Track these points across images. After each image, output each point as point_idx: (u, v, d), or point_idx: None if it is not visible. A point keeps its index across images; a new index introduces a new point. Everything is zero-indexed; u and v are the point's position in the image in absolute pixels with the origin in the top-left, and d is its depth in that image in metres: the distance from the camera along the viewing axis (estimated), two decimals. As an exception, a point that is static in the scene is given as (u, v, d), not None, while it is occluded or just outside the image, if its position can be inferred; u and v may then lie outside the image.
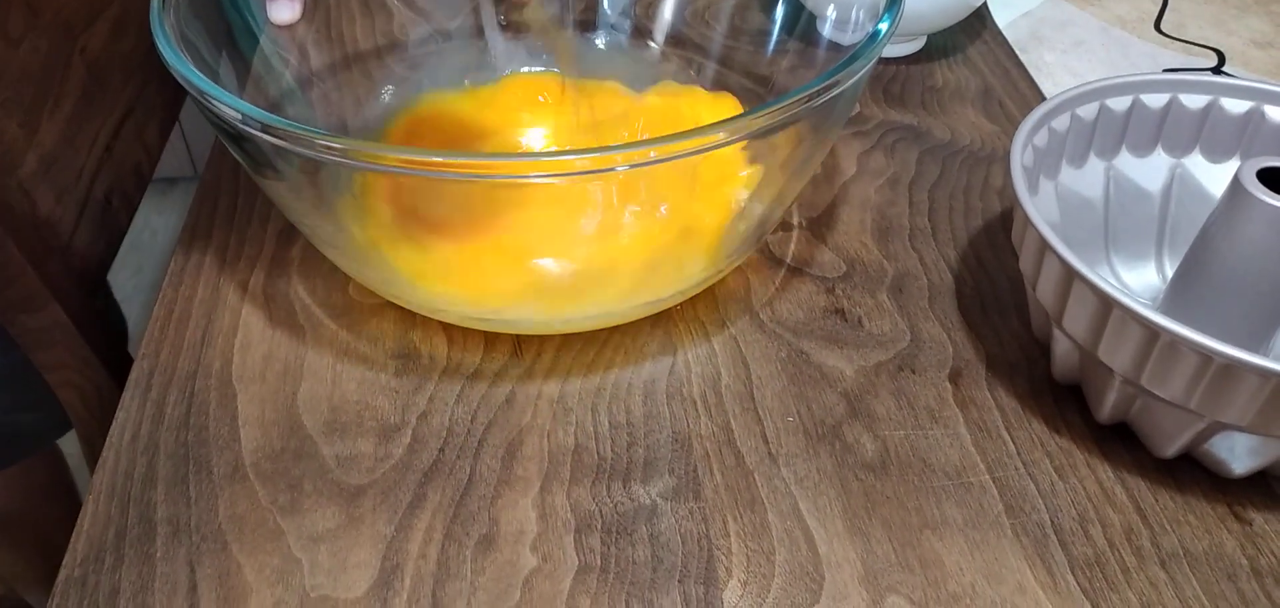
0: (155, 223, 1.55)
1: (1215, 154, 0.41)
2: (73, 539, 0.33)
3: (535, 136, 0.47)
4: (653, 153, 0.30)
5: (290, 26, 0.47)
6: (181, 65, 0.33)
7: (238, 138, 0.33)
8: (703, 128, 0.30)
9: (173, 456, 0.36)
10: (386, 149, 0.32)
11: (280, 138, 0.31)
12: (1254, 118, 0.40)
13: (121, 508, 0.34)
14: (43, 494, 0.76)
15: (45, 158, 0.51)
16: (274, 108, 0.44)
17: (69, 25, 0.54)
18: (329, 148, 0.30)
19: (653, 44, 0.52)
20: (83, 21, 0.56)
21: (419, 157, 0.30)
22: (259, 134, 0.31)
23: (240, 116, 0.31)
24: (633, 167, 0.31)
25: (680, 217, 0.41)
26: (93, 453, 0.56)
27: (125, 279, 1.44)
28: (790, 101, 0.31)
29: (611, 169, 0.31)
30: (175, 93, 0.66)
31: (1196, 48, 0.59)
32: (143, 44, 0.61)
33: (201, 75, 0.33)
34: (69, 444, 0.72)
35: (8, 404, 0.62)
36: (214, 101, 0.32)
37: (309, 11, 0.48)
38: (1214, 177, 0.41)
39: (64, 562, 0.33)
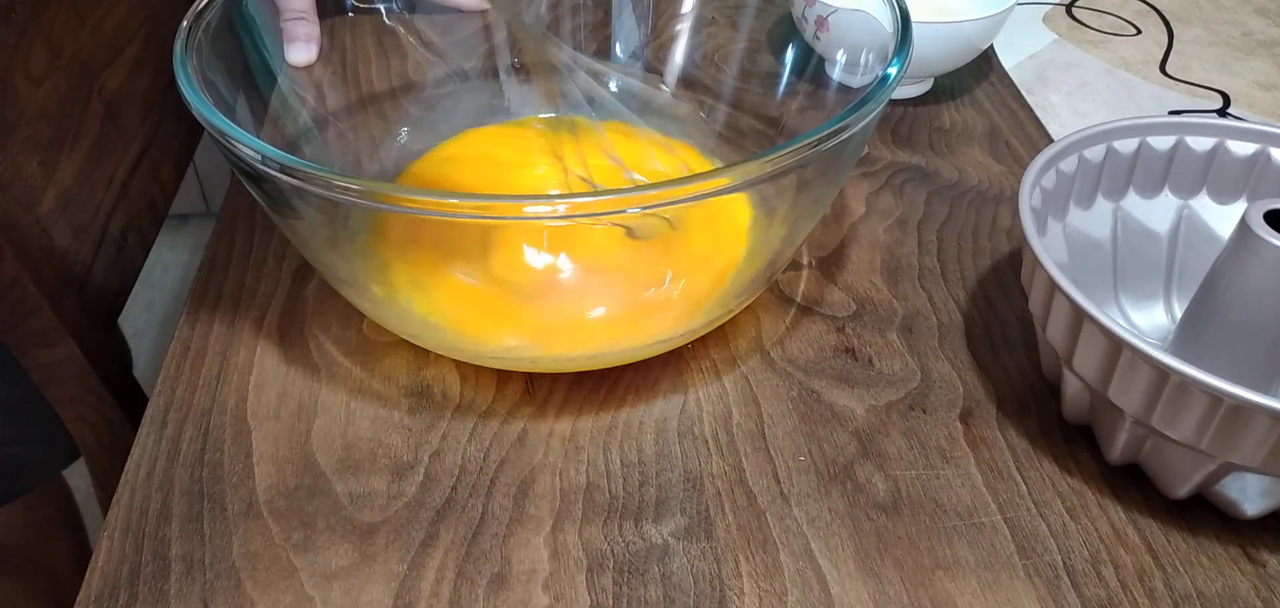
0: (167, 258, 1.56)
1: (1222, 196, 0.41)
2: (87, 575, 0.33)
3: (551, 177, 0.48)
4: (658, 198, 0.31)
5: (308, 68, 0.48)
6: (203, 106, 0.34)
7: (256, 177, 0.33)
8: (712, 171, 0.31)
9: (187, 492, 0.36)
10: (403, 190, 0.32)
11: (298, 178, 0.31)
12: (1260, 160, 0.40)
13: (136, 545, 0.34)
14: (48, 527, 0.76)
15: (63, 195, 0.52)
16: (291, 147, 0.44)
17: (88, 65, 0.55)
18: (346, 189, 0.31)
19: (664, 87, 0.52)
20: (101, 62, 0.57)
21: (434, 198, 0.31)
22: (277, 174, 0.32)
23: (259, 157, 0.32)
24: (644, 209, 0.31)
25: (690, 257, 0.41)
26: (103, 486, 0.57)
27: (137, 314, 1.45)
28: (801, 145, 0.32)
29: (621, 212, 0.31)
30: (190, 131, 0.67)
31: (1202, 90, 0.59)
32: (159, 83, 0.62)
33: (222, 116, 0.33)
34: (77, 477, 0.73)
35: (13, 436, 0.63)
36: (234, 142, 0.32)
37: (326, 53, 0.49)
38: (1221, 218, 0.41)
39: (78, 599, 0.33)
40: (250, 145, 0.32)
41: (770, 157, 0.31)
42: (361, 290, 0.40)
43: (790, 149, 0.32)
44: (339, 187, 0.31)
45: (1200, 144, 0.41)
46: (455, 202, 0.31)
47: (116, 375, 0.55)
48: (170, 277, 1.53)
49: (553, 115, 0.49)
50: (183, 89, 0.34)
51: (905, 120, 0.56)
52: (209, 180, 1.55)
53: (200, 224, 1.58)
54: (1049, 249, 0.34)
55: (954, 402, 0.39)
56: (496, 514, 0.35)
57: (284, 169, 0.31)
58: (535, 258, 0.40)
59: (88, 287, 0.53)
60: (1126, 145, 0.41)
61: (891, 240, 0.47)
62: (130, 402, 0.55)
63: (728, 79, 0.52)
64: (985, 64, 0.62)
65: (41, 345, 0.50)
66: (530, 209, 0.32)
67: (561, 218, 0.32)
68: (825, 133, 0.32)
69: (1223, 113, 0.57)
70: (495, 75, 0.52)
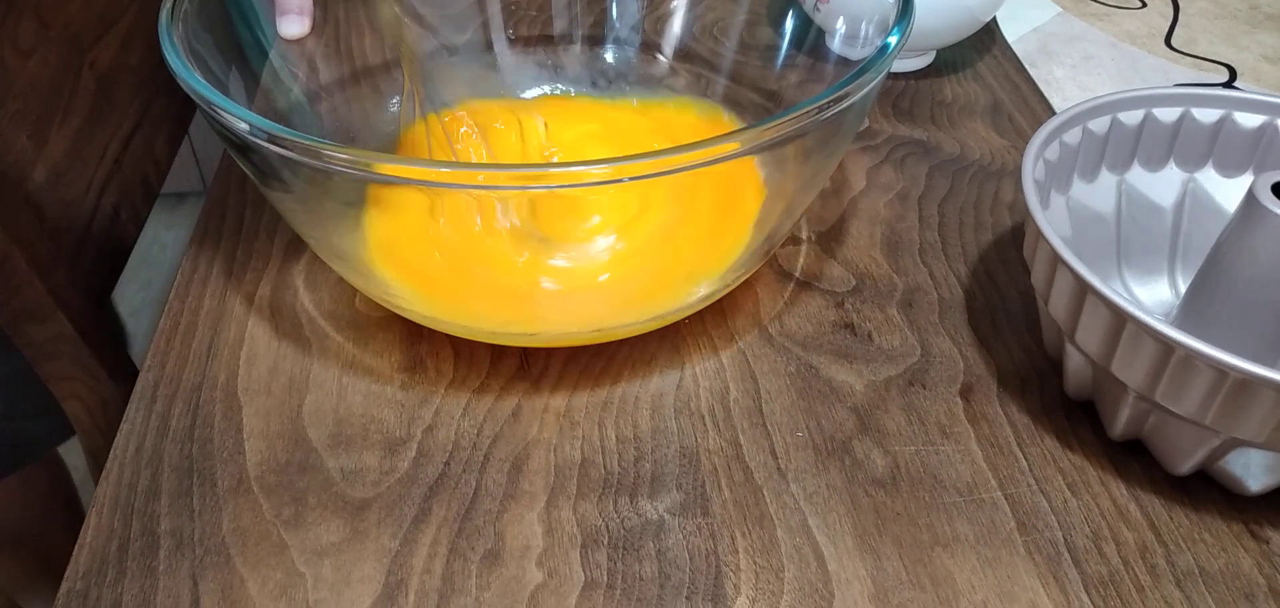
0: (165, 237, 1.56)
1: (1228, 169, 0.41)
2: (75, 552, 0.33)
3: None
4: (661, 165, 0.30)
5: (299, 41, 0.47)
6: (189, 75, 0.33)
7: (245, 149, 0.33)
8: (711, 139, 0.30)
9: (177, 468, 0.35)
10: (392, 159, 0.31)
11: (287, 148, 0.31)
12: (1267, 132, 0.40)
13: (124, 520, 0.34)
14: (43, 503, 0.76)
15: (54, 170, 0.51)
16: (282, 121, 0.44)
17: (78, 38, 0.55)
18: (335, 158, 0.30)
19: (661, 57, 0.52)
20: (92, 35, 0.56)
21: (424, 168, 0.30)
22: (266, 145, 0.31)
23: (248, 127, 0.31)
24: (641, 178, 0.31)
25: (689, 228, 0.40)
26: (97, 464, 0.56)
27: (134, 292, 1.45)
28: (799, 113, 0.31)
29: (618, 181, 0.31)
30: (184, 107, 0.66)
31: (1207, 63, 0.58)
32: (152, 58, 0.61)
33: (209, 86, 0.33)
34: (72, 455, 0.72)
35: (8, 411, 0.62)
36: (221, 112, 0.32)
37: (318, 26, 0.48)
38: (1227, 191, 0.41)
39: (66, 574, 0.32)
40: (238, 115, 0.31)
41: (769, 124, 0.31)
42: (353, 264, 0.39)
43: (789, 117, 0.31)
44: (327, 156, 0.30)
45: (1206, 116, 0.40)
46: (445, 170, 0.30)
47: (110, 352, 0.54)
48: (168, 255, 1.53)
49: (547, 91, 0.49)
50: (168, 57, 0.34)
51: (907, 94, 0.56)
52: (206, 159, 1.54)
53: (197, 203, 1.57)
54: (1052, 222, 0.34)
55: (954, 377, 0.39)
56: (490, 490, 0.34)
57: (272, 139, 0.31)
58: (532, 231, 0.40)
59: (79, 262, 0.53)
60: (1131, 117, 0.40)
61: (892, 215, 0.47)
62: (124, 378, 0.54)
63: (726, 51, 0.51)
64: (988, 37, 0.61)
65: (33, 321, 0.50)
66: (522, 178, 0.31)
67: (555, 187, 0.32)
68: (825, 100, 0.32)
69: (1229, 86, 0.56)
70: (489, 47, 0.52)
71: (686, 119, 0.49)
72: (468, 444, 0.36)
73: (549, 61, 0.52)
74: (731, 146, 0.31)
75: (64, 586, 0.32)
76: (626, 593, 0.31)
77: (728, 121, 0.48)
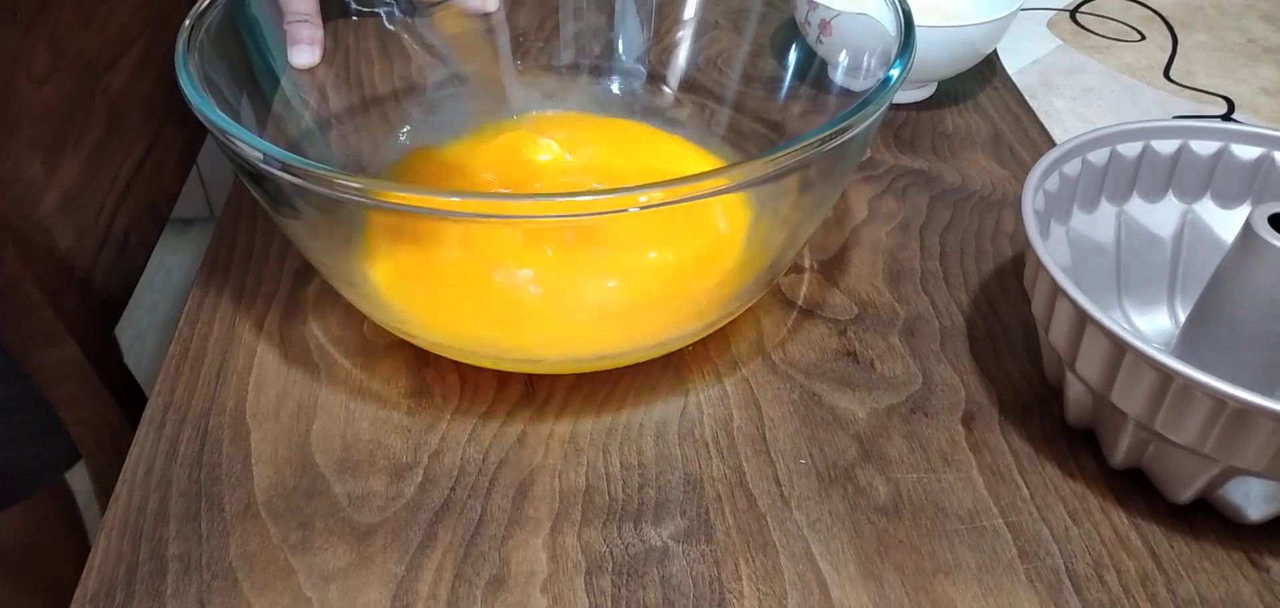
0: (171, 262, 1.57)
1: (1226, 200, 0.41)
2: (83, 576, 0.33)
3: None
4: (661, 196, 0.30)
5: (310, 70, 0.48)
6: (204, 105, 0.33)
7: (257, 177, 0.33)
8: (712, 172, 0.31)
9: (185, 492, 0.36)
10: (404, 188, 0.32)
11: (299, 176, 0.31)
12: (1265, 164, 0.40)
13: (133, 544, 0.34)
14: (48, 529, 0.76)
15: (65, 195, 0.52)
16: (293, 148, 0.44)
17: (91, 65, 0.55)
18: (347, 187, 0.31)
19: (667, 88, 0.52)
20: (105, 62, 0.57)
21: (433, 197, 0.31)
22: (279, 173, 0.32)
23: (261, 156, 0.32)
24: (640, 209, 0.31)
25: (691, 258, 0.41)
26: (103, 489, 0.57)
27: (140, 316, 1.45)
28: (803, 145, 0.32)
29: (622, 211, 0.31)
30: (193, 133, 0.67)
31: (1206, 95, 0.59)
32: (163, 85, 0.62)
33: (223, 115, 0.33)
34: (78, 481, 0.72)
35: (11, 438, 0.62)
36: (236, 141, 0.32)
37: (329, 55, 0.49)
38: (1225, 222, 0.41)
39: (75, 598, 0.33)
40: (251, 144, 0.32)
41: (772, 156, 0.31)
42: (362, 291, 0.39)
43: (792, 148, 0.31)
44: (340, 185, 0.31)
45: (1205, 148, 0.41)
46: (455, 200, 0.30)
47: (117, 378, 0.55)
48: (174, 280, 1.53)
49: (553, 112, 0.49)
50: (184, 87, 0.34)
51: (908, 124, 0.56)
52: (213, 185, 1.55)
53: (204, 229, 1.59)
54: (1052, 252, 0.34)
55: (956, 405, 0.39)
56: (495, 516, 0.35)
57: (285, 167, 0.31)
58: (537, 258, 0.40)
59: (89, 288, 0.53)
60: (1130, 149, 0.41)
61: (894, 244, 0.47)
62: (130, 404, 0.55)
63: (730, 83, 0.51)
64: (989, 69, 0.62)
65: (43, 346, 0.50)
66: (529, 207, 0.32)
67: (562, 216, 0.32)
68: (828, 132, 0.32)
69: (1227, 118, 0.57)
70: (497, 78, 0.52)
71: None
72: (473, 470, 0.36)
73: (556, 91, 0.53)
74: (736, 177, 0.31)
75: (73, 608, 0.32)
76: (631, 619, 0.32)
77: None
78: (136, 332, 1.42)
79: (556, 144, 0.45)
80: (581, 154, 0.46)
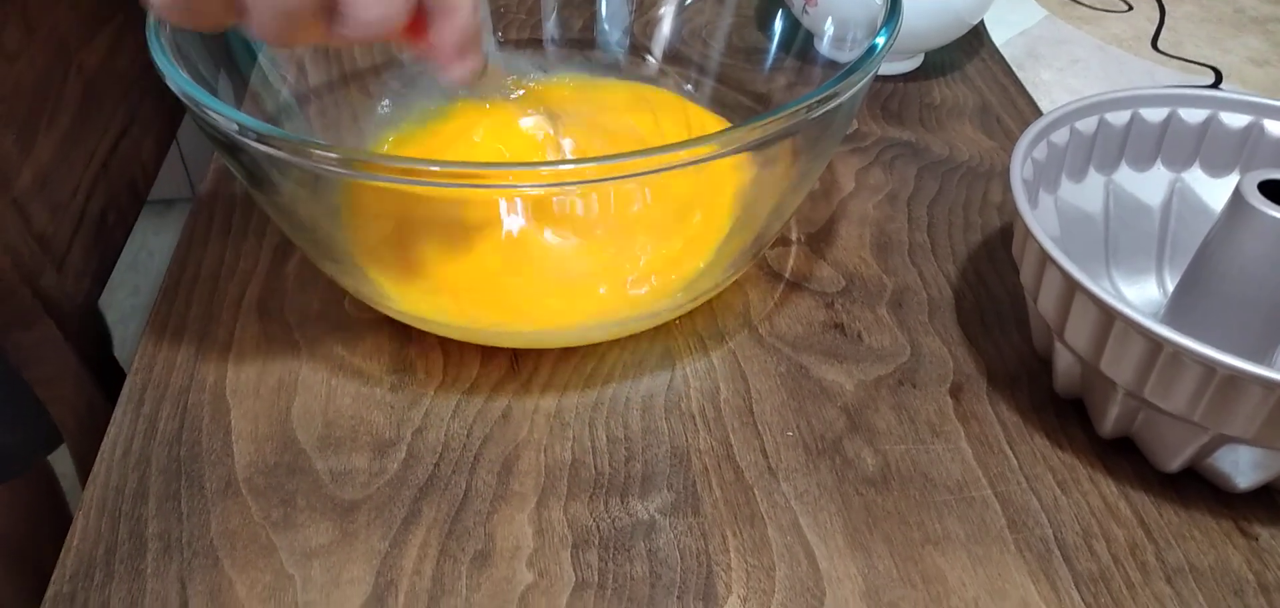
0: (153, 244, 1.55)
1: (1215, 168, 0.41)
2: (62, 555, 0.33)
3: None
4: (646, 165, 0.30)
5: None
6: (177, 75, 0.33)
7: (233, 149, 0.33)
8: (697, 139, 0.30)
9: (165, 471, 0.35)
10: (381, 158, 0.31)
11: (275, 147, 0.30)
12: (1254, 132, 0.40)
13: (112, 524, 0.33)
14: (30, 512, 0.75)
15: (40, 173, 0.51)
16: (271, 123, 0.44)
17: (65, 41, 0.54)
18: (323, 157, 0.30)
19: (650, 59, 0.52)
20: (80, 37, 0.56)
21: (412, 166, 0.30)
22: (255, 145, 0.31)
23: (236, 127, 0.31)
24: (626, 177, 0.31)
25: (677, 229, 0.40)
26: (85, 470, 0.56)
27: (123, 299, 1.44)
28: (788, 112, 0.31)
29: (604, 180, 0.31)
30: (172, 110, 0.66)
31: (1193, 65, 0.59)
32: (139, 61, 0.61)
33: (197, 86, 0.32)
34: (63, 463, 0.72)
35: None
36: (210, 111, 0.31)
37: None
38: (1214, 191, 0.41)
39: (52, 578, 0.32)
40: (227, 115, 0.31)
41: (758, 123, 0.31)
42: (342, 266, 0.39)
43: (779, 116, 0.31)
44: (316, 155, 0.30)
45: (1193, 116, 0.41)
46: (434, 169, 0.30)
47: (97, 357, 0.54)
48: (156, 262, 1.52)
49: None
50: (156, 59, 0.34)
51: (895, 96, 0.56)
52: (194, 165, 1.53)
53: (185, 209, 1.57)
54: (1041, 221, 0.34)
55: (944, 376, 0.39)
56: (480, 491, 0.34)
57: (261, 138, 0.31)
58: (518, 229, 0.39)
59: (66, 267, 0.52)
60: (1119, 117, 0.40)
61: (881, 216, 0.47)
62: (111, 384, 0.54)
63: (715, 54, 0.51)
64: (976, 40, 0.61)
65: (19, 326, 0.49)
66: (512, 176, 0.31)
67: (546, 186, 0.32)
68: (813, 99, 0.32)
69: (1215, 88, 0.56)
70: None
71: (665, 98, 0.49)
72: (458, 446, 0.36)
73: (538, 63, 0.52)
74: (720, 145, 0.31)
75: (51, 589, 0.32)
76: (617, 593, 0.31)
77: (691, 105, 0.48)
78: (119, 314, 1.41)
79: (539, 113, 0.45)
80: (565, 122, 0.45)
